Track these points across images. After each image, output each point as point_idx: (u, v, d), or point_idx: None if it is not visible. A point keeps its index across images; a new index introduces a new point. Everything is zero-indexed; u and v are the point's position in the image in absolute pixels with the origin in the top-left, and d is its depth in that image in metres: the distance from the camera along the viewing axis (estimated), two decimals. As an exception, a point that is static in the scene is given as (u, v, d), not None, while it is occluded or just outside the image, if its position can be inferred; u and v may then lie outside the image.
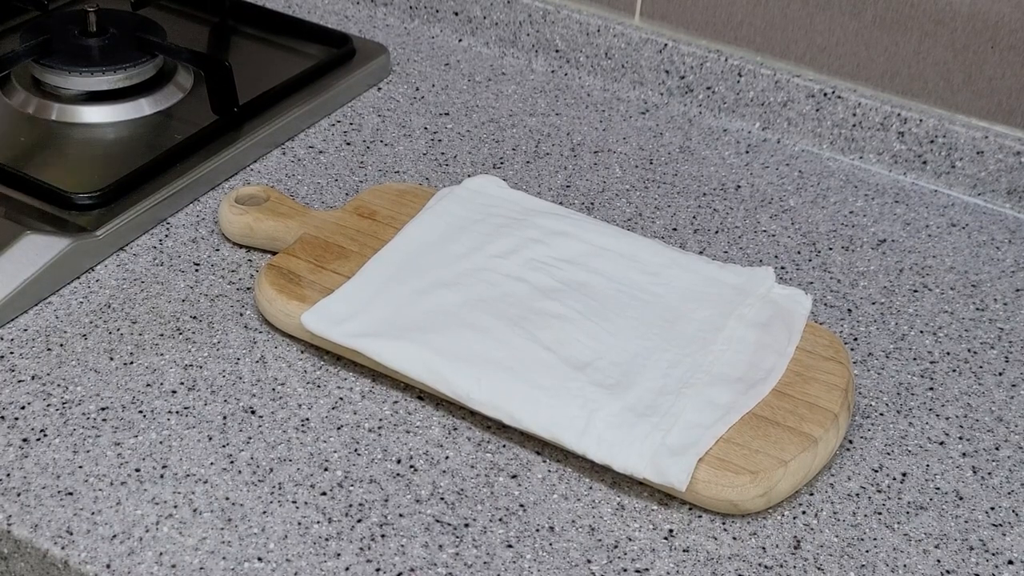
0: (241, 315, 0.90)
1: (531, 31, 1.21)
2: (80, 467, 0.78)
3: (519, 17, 1.21)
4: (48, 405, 0.82)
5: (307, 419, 0.82)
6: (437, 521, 0.76)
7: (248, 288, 0.92)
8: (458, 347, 0.84)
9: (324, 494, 0.77)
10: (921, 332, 0.92)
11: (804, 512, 0.78)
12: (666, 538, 0.76)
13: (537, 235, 0.93)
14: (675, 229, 1.01)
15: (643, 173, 1.08)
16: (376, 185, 1.01)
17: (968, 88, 1.06)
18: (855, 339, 0.91)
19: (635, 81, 1.18)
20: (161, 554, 0.73)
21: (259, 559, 0.73)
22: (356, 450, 0.80)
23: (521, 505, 0.77)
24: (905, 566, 0.75)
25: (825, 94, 1.10)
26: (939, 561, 0.75)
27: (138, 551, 0.73)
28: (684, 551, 0.75)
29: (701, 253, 0.98)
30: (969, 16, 1.04)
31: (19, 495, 0.76)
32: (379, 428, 0.82)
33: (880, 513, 0.78)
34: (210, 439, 0.80)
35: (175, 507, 0.75)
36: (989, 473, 0.81)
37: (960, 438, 0.84)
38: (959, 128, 1.06)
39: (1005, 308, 0.95)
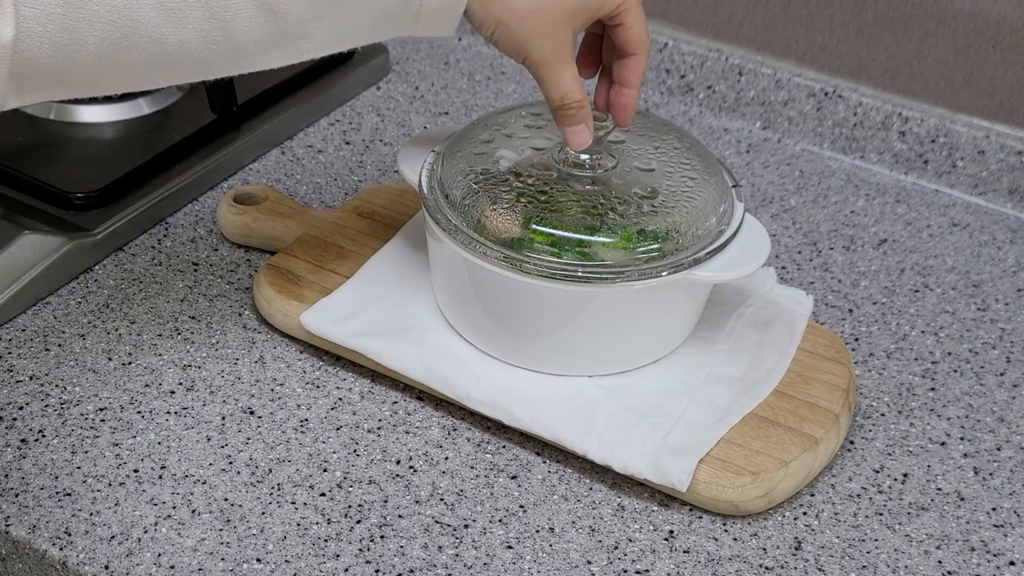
0: (240, 315, 0.89)
1: (531, 30, 1.21)
2: (78, 468, 0.77)
3: (519, 16, 1.21)
4: (46, 406, 0.81)
5: (306, 419, 0.82)
6: (436, 522, 0.75)
7: (247, 288, 0.92)
8: (457, 346, 0.83)
9: (323, 495, 0.77)
10: (922, 332, 0.92)
11: (805, 513, 0.78)
12: (666, 539, 0.75)
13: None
14: (675, 229, 1.01)
15: (643, 173, 1.08)
16: (375, 185, 1.00)
17: (969, 87, 1.06)
18: (856, 339, 0.91)
19: (635, 80, 1.18)
20: (160, 555, 0.72)
21: (258, 560, 0.72)
22: (355, 451, 0.80)
23: (521, 506, 0.77)
24: (906, 567, 0.75)
25: (826, 93, 1.10)
26: (940, 562, 0.75)
27: (136, 552, 0.72)
28: (685, 552, 0.75)
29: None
30: (971, 15, 1.04)
31: (17, 496, 0.75)
32: (378, 429, 0.81)
33: (881, 514, 0.78)
34: (209, 440, 0.80)
35: (174, 508, 0.75)
36: (991, 474, 0.81)
37: (961, 439, 0.84)
38: (960, 128, 1.06)
39: (1007, 308, 0.95)
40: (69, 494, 0.76)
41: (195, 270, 0.93)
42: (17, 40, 0.62)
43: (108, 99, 1.05)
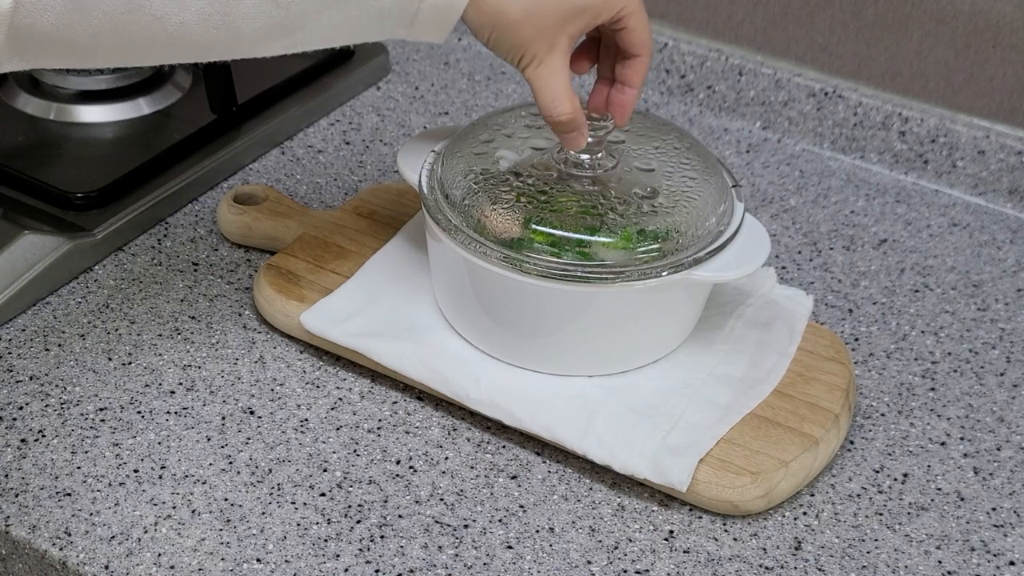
0: (240, 315, 0.89)
1: (531, 30, 1.21)
2: (78, 468, 0.77)
3: (519, 16, 1.21)
4: (46, 406, 0.81)
5: (306, 420, 0.82)
6: (436, 522, 0.75)
7: (247, 288, 0.92)
8: (457, 346, 0.83)
9: (323, 495, 0.77)
10: (922, 332, 0.92)
11: (805, 513, 0.78)
12: (666, 539, 0.75)
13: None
14: (675, 229, 1.01)
15: (643, 172, 1.08)
16: (375, 185, 1.00)
17: (969, 87, 1.06)
18: (856, 339, 0.91)
19: (635, 80, 1.18)
20: (160, 555, 0.72)
21: (258, 560, 0.72)
22: (355, 451, 0.80)
23: (521, 506, 0.77)
24: (906, 567, 0.75)
25: (826, 93, 1.10)
26: (940, 562, 0.75)
27: (136, 552, 0.72)
28: (684, 552, 0.75)
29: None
30: (971, 15, 1.04)
31: (17, 496, 0.75)
32: (378, 429, 0.81)
33: (881, 514, 0.78)
34: (209, 440, 0.80)
35: (174, 508, 0.75)
36: (991, 474, 0.81)
37: (961, 439, 0.84)
38: (960, 127, 1.06)
39: (1007, 308, 0.95)
40: (69, 494, 0.76)
41: (195, 270, 0.93)
42: (18, 7, 0.62)
43: (108, 99, 1.05)
